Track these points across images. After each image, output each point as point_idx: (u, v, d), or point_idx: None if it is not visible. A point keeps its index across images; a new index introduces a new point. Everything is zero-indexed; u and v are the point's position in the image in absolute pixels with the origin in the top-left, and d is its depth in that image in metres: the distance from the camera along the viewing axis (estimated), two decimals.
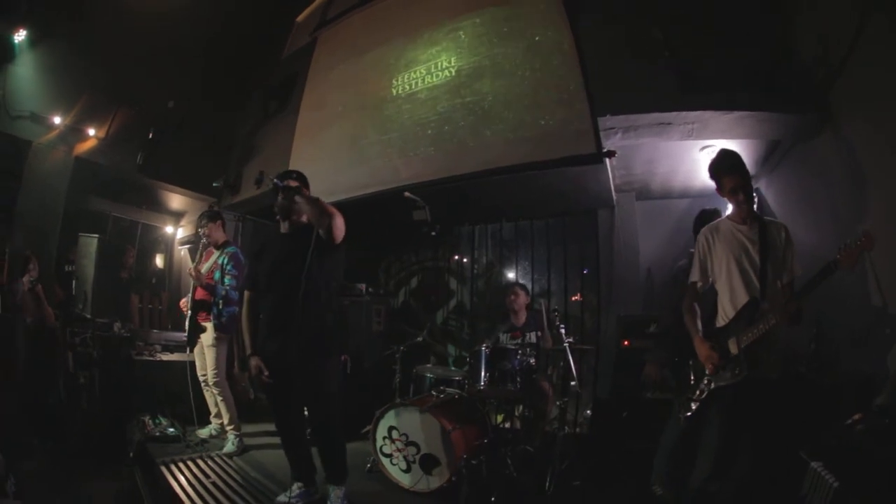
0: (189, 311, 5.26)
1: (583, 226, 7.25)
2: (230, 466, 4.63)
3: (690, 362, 3.40)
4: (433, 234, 5.95)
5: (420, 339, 5.87)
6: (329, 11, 8.23)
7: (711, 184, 3.44)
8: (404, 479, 4.39)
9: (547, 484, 4.37)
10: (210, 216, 5.49)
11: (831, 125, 4.50)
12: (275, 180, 3.72)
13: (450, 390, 4.89)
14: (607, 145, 4.84)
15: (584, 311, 7.31)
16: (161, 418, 5.41)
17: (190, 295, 5.29)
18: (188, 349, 5.41)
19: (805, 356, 4.09)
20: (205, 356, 5.24)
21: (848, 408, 3.29)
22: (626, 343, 5.48)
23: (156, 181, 8.38)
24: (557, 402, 4.85)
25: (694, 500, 3.19)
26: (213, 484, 4.18)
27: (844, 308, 4.09)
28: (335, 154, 6.89)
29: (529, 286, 6.90)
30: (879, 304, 3.81)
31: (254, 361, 3.73)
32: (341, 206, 3.76)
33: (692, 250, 4.07)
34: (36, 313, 5.32)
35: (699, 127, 4.93)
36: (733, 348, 3.11)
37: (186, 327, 5.29)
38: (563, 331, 4.80)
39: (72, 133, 7.03)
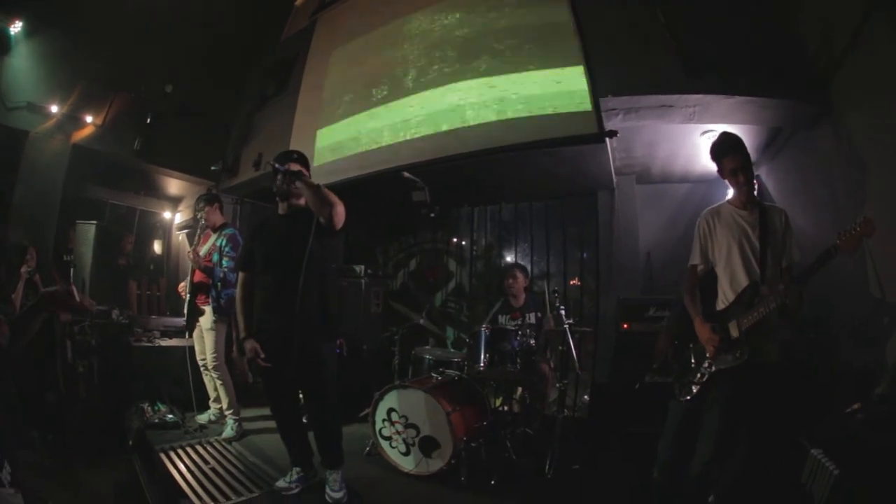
0: (188, 295, 5.24)
1: (583, 208, 7.23)
2: (229, 452, 4.65)
3: (691, 345, 3.40)
4: (432, 215, 5.92)
5: (419, 321, 5.85)
6: None
7: (712, 169, 3.45)
8: (404, 463, 4.40)
9: (546, 467, 4.40)
10: (208, 199, 5.46)
11: (832, 114, 4.47)
12: (275, 165, 3.65)
13: (449, 372, 4.92)
14: (608, 126, 4.80)
15: (583, 294, 7.30)
16: (160, 405, 5.42)
17: (188, 278, 5.27)
18: (187, 333, 5.41)
19: (804, 344, 4.08)
20: (204, 340, 5.23)
21: (847, 396, 3.30)
22: (625, 326, 5.47)
23: (154, 166, 8.33)
24: (557, 385, 4.85)
25: (695, 484, 3.18)
26: (213, 470, 4.20)
27: (843, 297, 4.09)
28: (335, 134, 6.85)
29: (529, 268, 6.89)
30: (878, 293, 3.80)
31: (249, 344, 3.66)
32: (341, 186, 3.72)
33: None
34: None
35: (700, 110, 4.89)
36: (734, 331, 3.10)
37: (185, 311, 5.28)
38: (563, 312, 4.79)
39: (69, 121, 6.99)
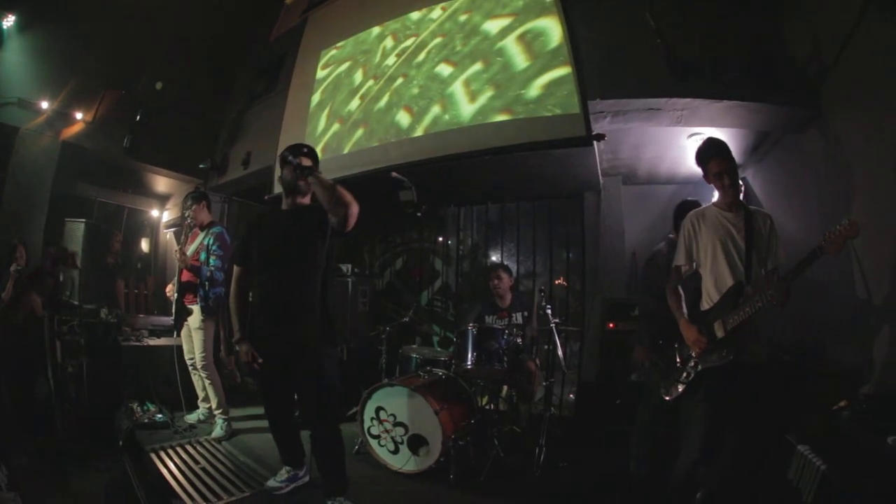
0: (175, 295, 5.20)
1: (569, 209, 7.27)
2: (219, 451, 4.65)
3: (676, 345, 3.45)
4: (419, 214, 5.92)
5: (405, 319, 5.88)
6: None
7: (697, 171, 3.48)
8: (393, 461, 4.44)
9: (534, 465, 4.44)
10: (195, 197, 5.42)
11: (820, 120, 4.53)
12: (289, 157, 3.49)
13: (436, 371, 4.93)
14: (596, 129, 4.84)
15: (569, 293, 7.35)
16: (149, 404, 5.40)
17: (176, 278, 5.24)
18: (175, 333, 5.40)
19: (789, 345, 4.14)
20: (192, 339, 5.21)
21: (834, 395, 3.35)
22: (611, 325, 5.54)
23: (142, 164, 8.33)
24: (543, 383, 4.89)
25: (682, 483, 3.23)
26: (203, 469, 4.19)
27: (829, 298, 4.14)
28: (324, 133, 6.88)
29: (515, 268, 6.92)
30: (864, 294, 3.86)
31: (244, 347, 3.47)
32: None
33: (671, 235, 4.18)
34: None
35: (688, 114, 4.94)
36: (719, 331, 3.14)
37: (173, 311, 5.25)
38: (549, 312, 4.82)
39: (59, 118, 6.98)
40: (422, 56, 6.15)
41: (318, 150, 4.79)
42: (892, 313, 3.56)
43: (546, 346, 4.96)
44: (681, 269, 3.47)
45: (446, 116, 5.69)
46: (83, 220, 7.18)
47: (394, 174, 5.51)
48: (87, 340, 5.33)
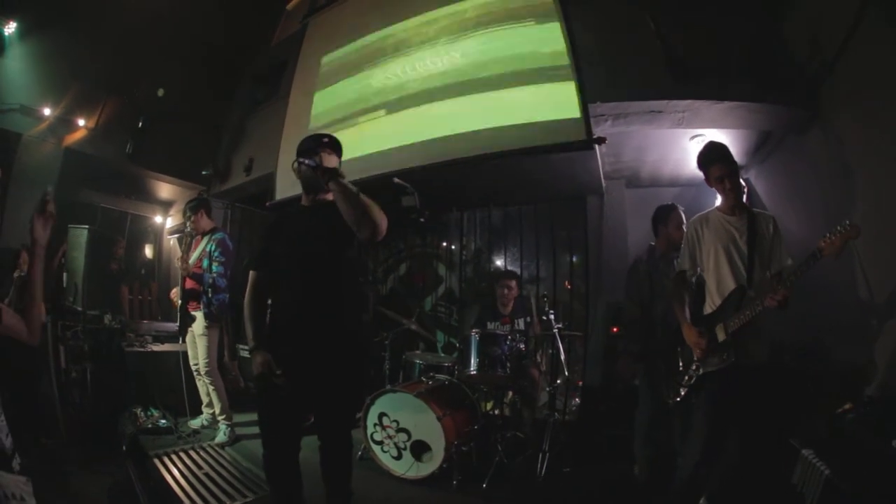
0: (179, 302, 5.24)
1: (572, 213, 7.26)
2: (222, 457, 4.66)
3: (679, 349, 3.44)
4: (422, 220, 5.90)
5: (409, 325, 5.87)
6: None
7: (700, 173, 3.47)
8: (396, 467, 4.43)
9: (538, 470, 4.43)
10: (192, 207, 5.41)
11: (821, 120, 4.52)
12: (305, 161, 2.95)
13: (440, 376, 4.91)
14: (597, 132, 4.82)
15: (572, 298, 7.33)
16: (153, 410, 5.41)
17: (179, 285, 5.27)
18: (180, 339, 5.42)
19: (791, 347, 4.13)
20: (196, 345, 5.24)
21: (837, 398, 3.34)
22: (614, 330, 5.52)
23: (145, 170, 8.36)
24: (546, 388, 4.88)
25: (684, 487, 3.22)
26: (206, 475, 4.19)
27: (832, 299, 4.12)
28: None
29: (519, 272, 6.91)
30: (867, 296, 3.85)
31: (260, 357, 2.88)
32: None
33: (651, 243, 4.17)
34: None
35: (690, 116, 4.94)
36: (721, 334, 3.14)
37: (178, 317, 5.28)
38: (552, 317, 4.82)
39: (61, 124, 6.99)
40: (422, 61, 6.14)
41: None
42: None
43: (550, 351, 4.94)
44: (685, 274, 3.47)
45: (447, 121, 5.68)
46: (86, 226, 7.16)
47: (396, 180, 5.51)
48: (90, 346, 5.35)
